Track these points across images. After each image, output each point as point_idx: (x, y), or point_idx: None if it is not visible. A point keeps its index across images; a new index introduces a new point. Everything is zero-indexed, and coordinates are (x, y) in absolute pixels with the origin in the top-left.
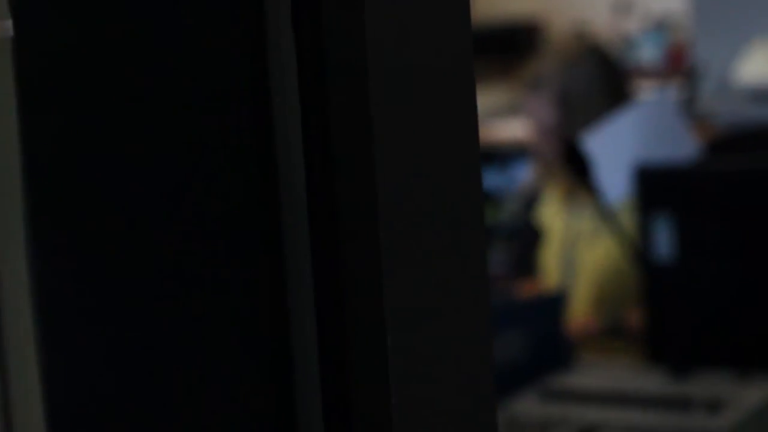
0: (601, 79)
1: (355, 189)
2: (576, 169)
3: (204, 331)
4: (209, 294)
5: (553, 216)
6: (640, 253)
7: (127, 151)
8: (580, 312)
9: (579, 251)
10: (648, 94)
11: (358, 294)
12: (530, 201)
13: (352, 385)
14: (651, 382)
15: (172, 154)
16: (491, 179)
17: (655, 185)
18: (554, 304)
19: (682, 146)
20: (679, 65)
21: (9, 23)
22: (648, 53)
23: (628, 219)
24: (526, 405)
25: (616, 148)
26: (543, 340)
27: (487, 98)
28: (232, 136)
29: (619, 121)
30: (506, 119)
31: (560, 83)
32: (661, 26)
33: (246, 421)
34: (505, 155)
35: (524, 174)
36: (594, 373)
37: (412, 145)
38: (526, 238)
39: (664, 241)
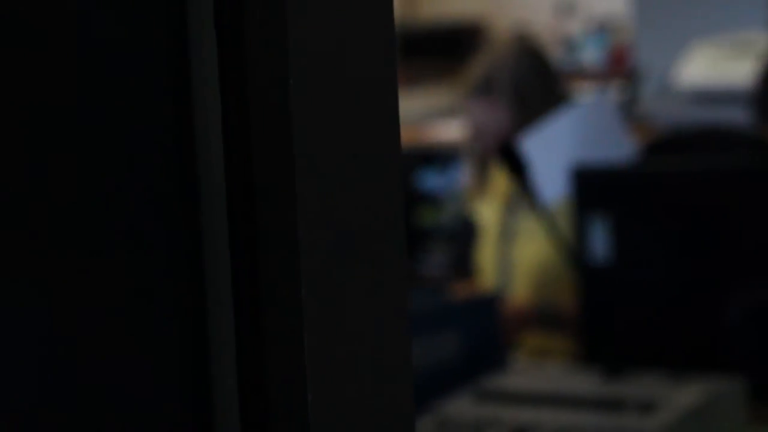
0: (540, 78)
1: (275, 188)
2: (512, 170)
3: (119, 324)
4: (127, 285)
5: (492, 216)
6: (576, 253)
7: (45, 143)
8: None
9: (515, 250)
10: (587, 95)
11: (275, 294)
12: (469, 202)
13: (269, 382)
14: (585, 383)
15: (93, 145)
16: (432, 180)
17: (591, 186)
18: (488, 305)
19: (620, 147)
20: (620, 67)
21: None
22: (590, 55)
23: (565, 220)
24: (460, 406)
25: (554, 148)
26: (477, 342)
27: (429, 99)
28: (152, 126)
29: (556, 121)
30: (448, 120)
31: (511, 83)
32: (603, 28)
33: (159, 405)
34: (446, 156)
35: (464, 175)
36: (528, 374)
37: (332, 145)
38: (465, 239)
39: (600, 242)
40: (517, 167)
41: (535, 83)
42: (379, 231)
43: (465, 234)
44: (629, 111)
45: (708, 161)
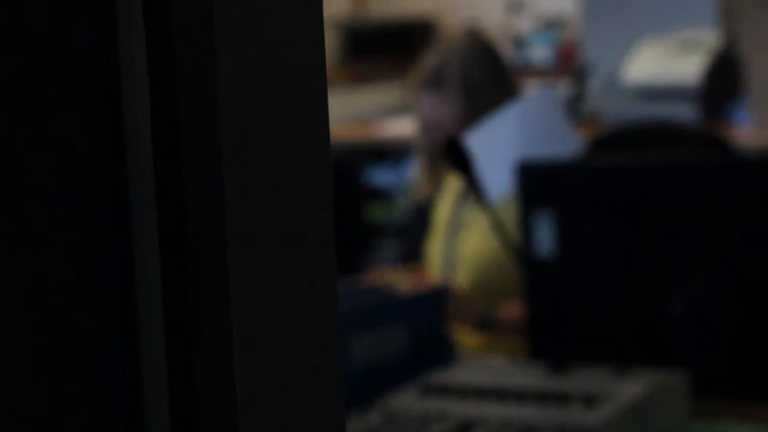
0: (490, 73)
1: (203, 184)
2: (457, 165)
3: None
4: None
5: (444, 210)
6: (521, 249)
7: None
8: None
9: (460, 243)
10: (532, 90)
11: (204, 290)
12: (421, 197)
13: (198, 376)
14: (530, 377)
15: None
16: (383, 177)
17: (536, 182)
18: (436, 298)
19: (565, 142)
20: (568, 64)
21: None
22: (539, 52)
23: (510, 214)
24: (405, 400)
25: (499, 144)
26: (424, 335)
27: (380, 96)
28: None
29: (501, 117)
30: (399, 117)
31: (461, 77)
32: (551, 26)
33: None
34: (398, 153)
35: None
36: (474, 369)
37: (260, 141)
38: (415, 232)
39: (544, 236)
40: (461, 162)
41: (485, 78)
42: (308, 225)
43: (415, 227)
44: (576, 107)
45: (651, 156)
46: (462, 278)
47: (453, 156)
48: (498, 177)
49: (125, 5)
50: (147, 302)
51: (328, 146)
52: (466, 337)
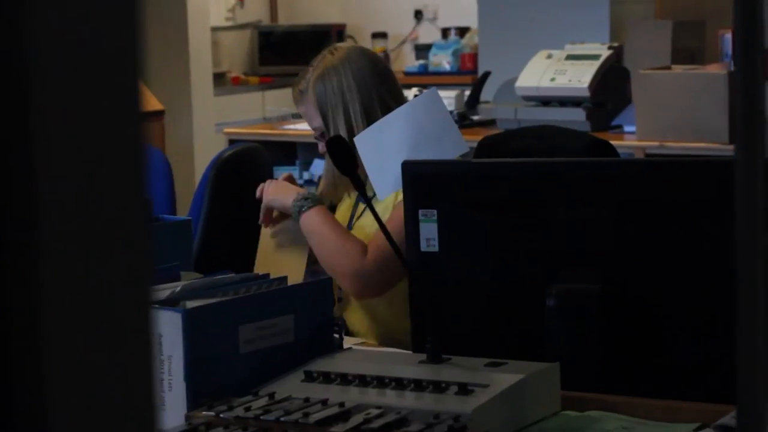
0: (371, 79)
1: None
2: (341, 166)
3: None
4: None
5: (344, 210)
6: (405, 246)
7: None
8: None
9: None
10: (422, 92)
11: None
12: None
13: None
14: (409, 367)
15: None
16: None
17: (420, 182)
18: (323, 286)
19: (453, 143)
20: (468, 71)
21: None
22: (442, 60)
23: (395, 213)
24: (288, 386)
25: (387, 145)
26: (311, 323)
27: (287, 100)
28: None
29: (389, 118)
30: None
31: (314, 93)
32: (454, 36)
33: None
34: (305, 153)
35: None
36: (357, 358)
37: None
38: None
39: (428, 234)
40: (346, 163)
41: (369, 83)
42: (123, 228)
43: None
44: (471, 111)
45: (535, 156)
46: None
47: (338, 156)
48: (386, 178)
49: None
50: None
51: (141, 134)
52: (355, 323)
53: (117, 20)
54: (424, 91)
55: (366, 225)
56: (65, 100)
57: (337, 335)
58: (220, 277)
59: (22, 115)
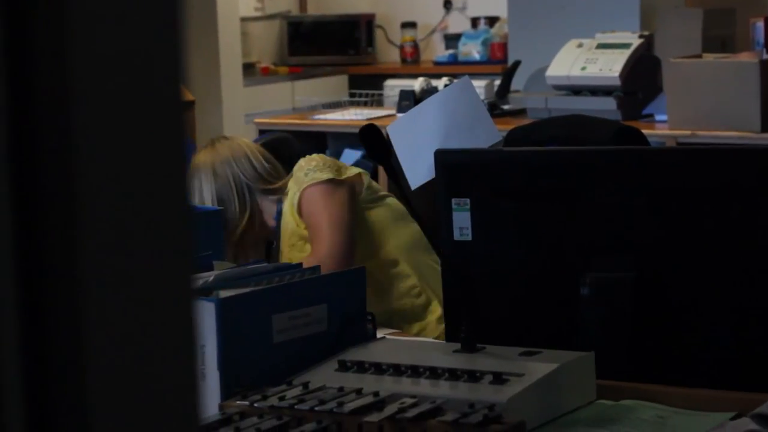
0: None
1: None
2: (374, 155)
3: None
4: None
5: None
6: (439, 235)
7: None
8: None
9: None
10: (454, 82)
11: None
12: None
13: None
14: (444, 357)
15: None
16: None
17: (454, 170)
18: (356, 276)
19: (485, 131)
20: (497, 61)
21: None
22: (471, 49)
23: (430, 202)
24: (322, 376)
25: (420, 133)
26: (345, 313)
27: (322, 90)
28: None
29: (422, 106)
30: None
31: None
32: (484, 25)
33: None
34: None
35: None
36: (391, 347)
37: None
38: None
39: (461, 223)
40: (379, 152)
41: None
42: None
43: None
44: (503, 102)
45: (565, 144)
46: None
47: (370, 144)
48: (419, 166)
49: None
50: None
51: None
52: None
53: (159, 23)
54: (456, 80)
55: (288, 222)
56: (108, 92)
57: (370, 325)
58: (252, 266)
59: (64, 106)
